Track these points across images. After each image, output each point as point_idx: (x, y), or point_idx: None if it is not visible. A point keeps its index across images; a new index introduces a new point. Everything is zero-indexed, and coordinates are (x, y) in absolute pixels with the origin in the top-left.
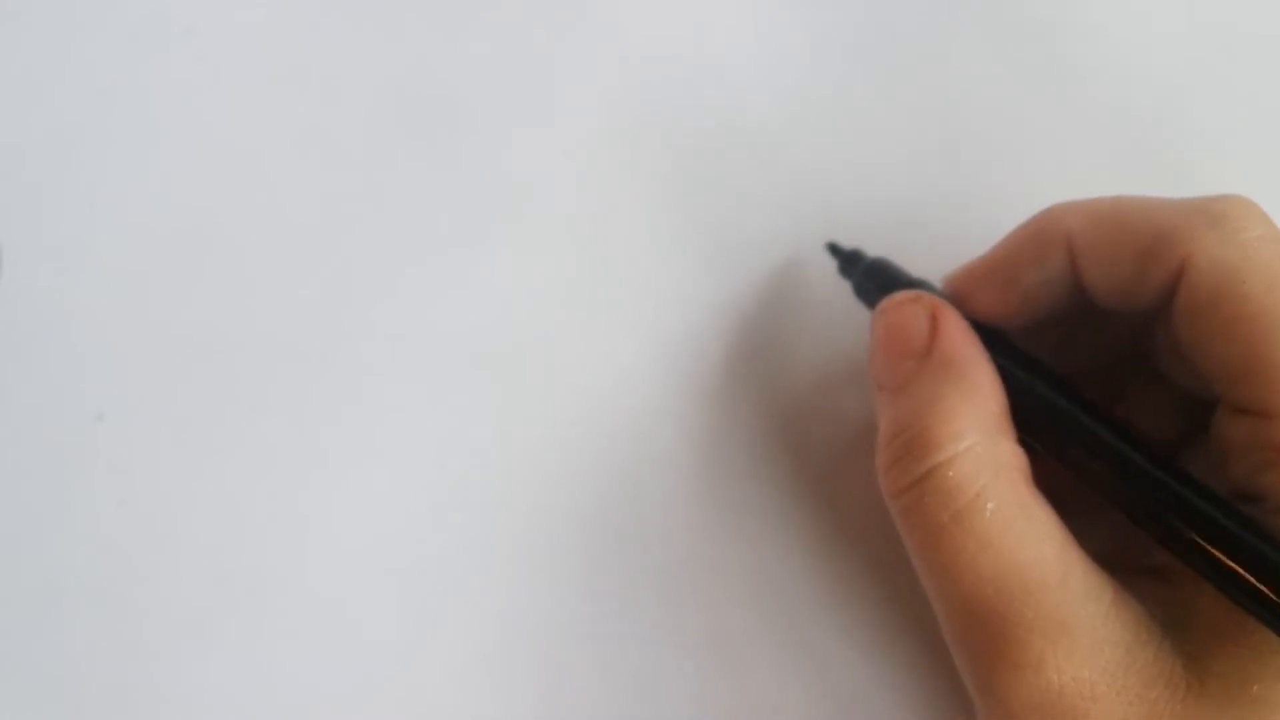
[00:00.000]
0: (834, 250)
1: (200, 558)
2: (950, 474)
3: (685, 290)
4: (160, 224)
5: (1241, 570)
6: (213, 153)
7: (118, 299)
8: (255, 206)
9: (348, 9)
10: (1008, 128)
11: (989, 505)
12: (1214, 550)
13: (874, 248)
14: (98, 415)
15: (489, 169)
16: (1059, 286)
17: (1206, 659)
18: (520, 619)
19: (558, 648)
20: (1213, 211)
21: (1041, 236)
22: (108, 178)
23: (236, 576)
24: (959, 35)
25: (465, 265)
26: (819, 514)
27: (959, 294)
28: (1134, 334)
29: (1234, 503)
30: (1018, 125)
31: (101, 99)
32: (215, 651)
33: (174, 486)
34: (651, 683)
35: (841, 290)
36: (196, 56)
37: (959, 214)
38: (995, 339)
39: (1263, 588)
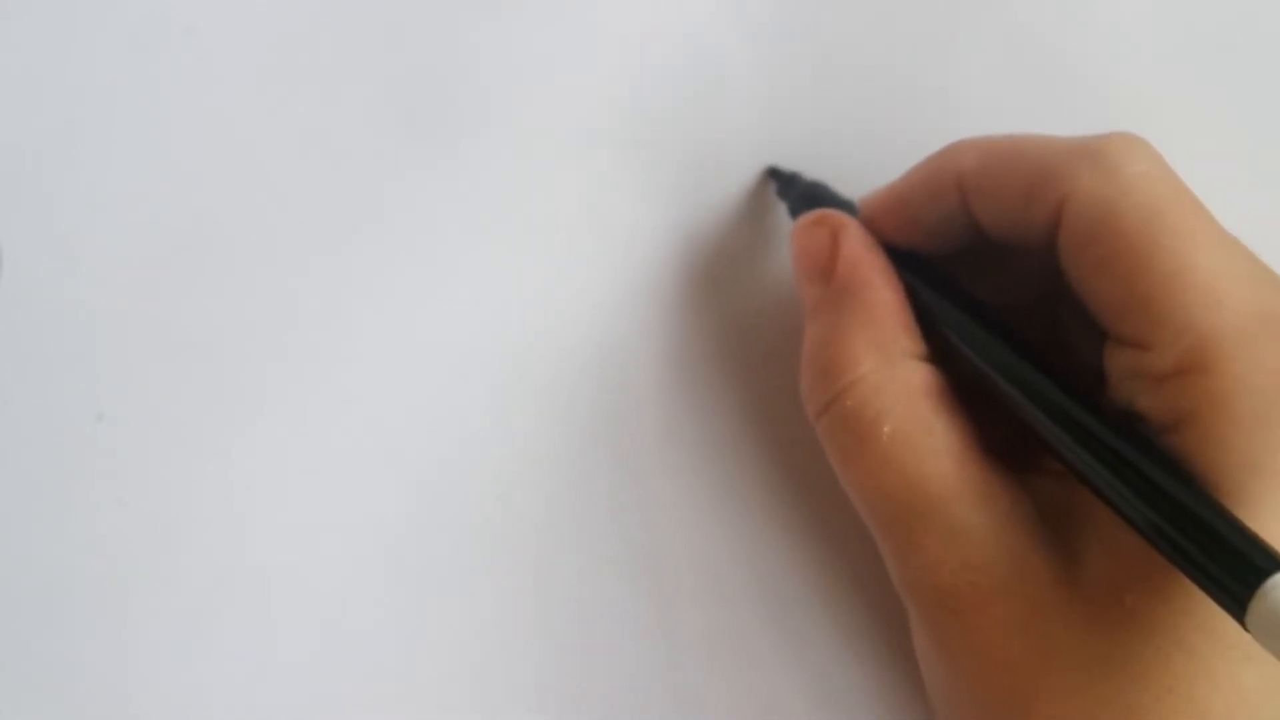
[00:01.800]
0: (773, 173)
1: (200, 558)
2: (849, 401)
3: (682, 285)
4: (161, 224)
5: (1115, 476)
6: (213, 153)
7: (118, 299)
8: (255, 206)
9: (348, 9)
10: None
11: (886, 428)
12: (1088, 456)
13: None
14: (98, 415)
15: (491, 168)
16: (957, 222)
17: (1088, 564)
18: (515, 615)
19: (554, 643)
20: (1094, 149)
21: (936, 175)
22: (108, 178)
23: (236, 576)
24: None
25: (469, 264)
26: (817, 505)
27: (868, 220)
28: (1049, 269)
29: (1116, 418)
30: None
31: (101, 99)
32: (215, 651)
33: (174, 486)
34: (648, 677)
35: None
36: (196, 56)
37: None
38: (908, 255)
39: (1132, 495)
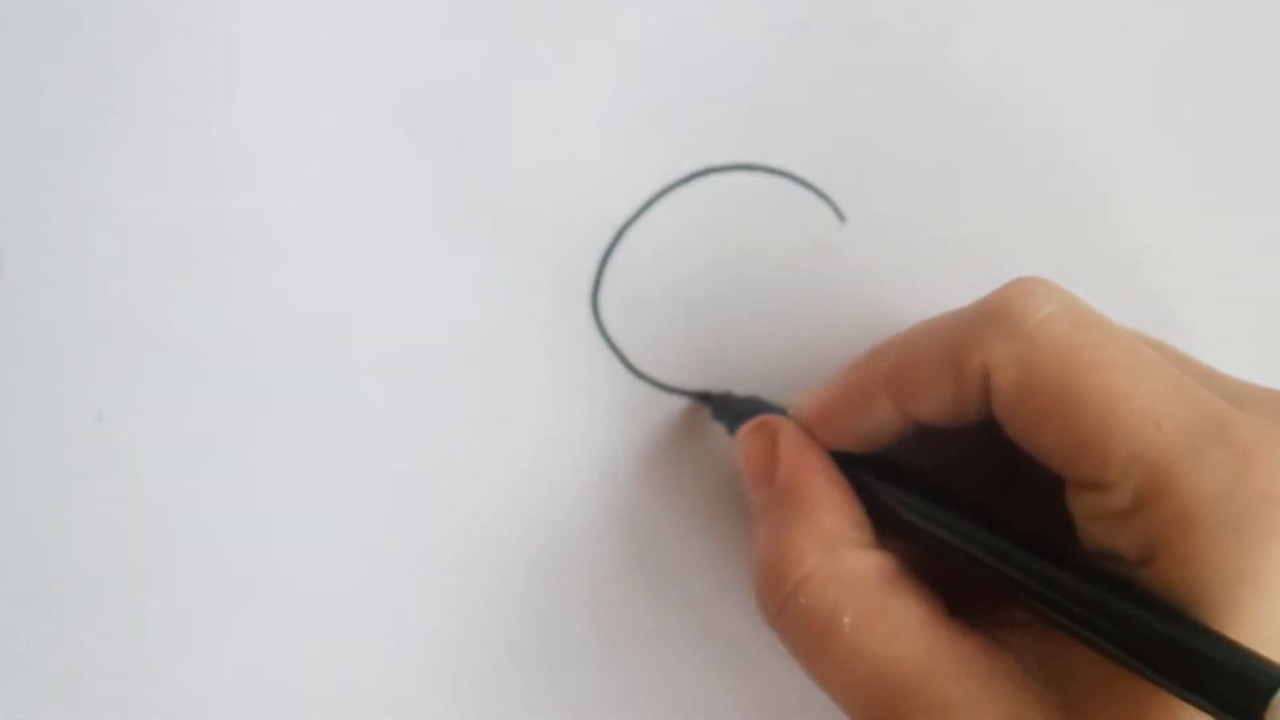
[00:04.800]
0: (704, 397)
1: (200, 558)
2: (803, 599)
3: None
4: (160, 224)
5: (1107, 625)
6: (212, 153)
7: (118, 299)
8: (255, 206)
9: (348, 9)
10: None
11: (846, 620)
12: (1071, 609)
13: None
14: (98, 415)
15: (491, 169)
16: (892, 423)
17: (1088, 710)
18: (513, 621)
19: (551, 645)
20: (994, 310)
21: (860, 387)
22: (107, 178)
23: (236, 576)
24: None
25: (471, 265)
26: None
27: (807, 426)
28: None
29: (1092, 560)
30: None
31: (101, 99)
32: (215, 651)
33: (174, 486)
34: (650, 679)
35: None
36: (196, 56)
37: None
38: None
39: (1131, 642)
